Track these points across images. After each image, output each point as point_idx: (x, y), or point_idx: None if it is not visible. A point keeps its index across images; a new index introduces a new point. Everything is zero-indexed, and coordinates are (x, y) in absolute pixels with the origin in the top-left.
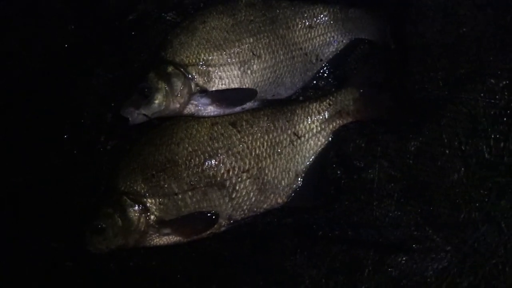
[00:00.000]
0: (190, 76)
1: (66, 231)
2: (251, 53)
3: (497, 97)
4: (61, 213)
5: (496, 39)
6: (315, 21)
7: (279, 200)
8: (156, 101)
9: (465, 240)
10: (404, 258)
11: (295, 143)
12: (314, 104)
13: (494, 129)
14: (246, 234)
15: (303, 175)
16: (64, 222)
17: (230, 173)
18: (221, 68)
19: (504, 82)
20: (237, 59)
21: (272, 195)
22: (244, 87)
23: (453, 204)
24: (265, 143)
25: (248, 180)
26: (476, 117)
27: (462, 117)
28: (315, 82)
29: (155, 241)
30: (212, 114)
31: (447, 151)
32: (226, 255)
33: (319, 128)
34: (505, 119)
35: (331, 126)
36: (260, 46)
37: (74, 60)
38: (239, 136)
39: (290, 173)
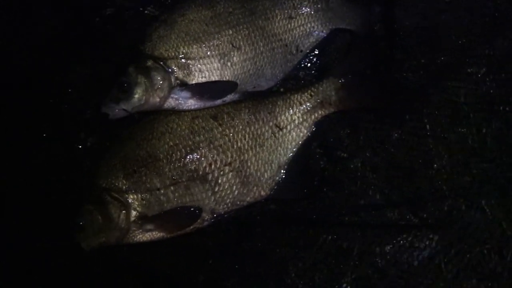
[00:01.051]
0: (169, 69)
1: (48, 230)
2: (230, 45)
3: (478, 83)
4: (43, 211)
5: (476, 25)
6: (295, 12)
7: (262, 193)
8: (136, 96)
9: (450, 227)
10: (390, 248)
11: (277, 135)
12: (296, 95)
13: (476, 115)
14: (230, 224)
15: (286, 167)
16: (46, 220)
17: (212, 166)
18: (201, 61)
19: (485, 69)
20: (216, 52)
21: (255, 188)
22: (224, 79)
23: (438, 192)
24: (247, 136)
25: (231, 173)
26: (458, 103)
27: (444, 104)
28: (296, 73)
29: (138, 237)
30: (192, 107)
31: (430, 139)
32: (211, 246)
33: (301, 119)
34: (486, 105)
35: (313, 117)
36: (240, 37)
37: (52, 56)
38: (220, 129)
39: (273, 165)
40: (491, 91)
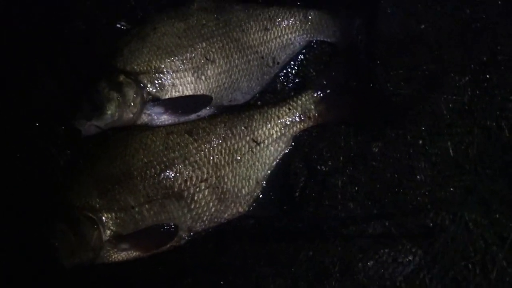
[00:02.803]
0: (142, 84)
1: (21, 249)
2: (204, 58)
3: (460, 93)
4: (15, 230)
5: (456, 35)
6: (271, 23)
7: (240, 209)
8: (109, 112)
9: (433, 242)
10: (372, 263)
11: (254, 149)
12: (273, 109)
13: (458, 126)
14: (208, 240)
15: (264, 182)
16: (19, 239)
17: (188, 183)
18: (174, 75)
19: (466, 78)
20: (190, 65)
21: (232, 204)
22: (198, 93)
23: (420, 205)
24: (223, 151)
25: (207, 189)
26: (439, 114)
27: (425, 115)
28: (273, 86)
29: (113, 257)
30: (166, 122)
31: (411, 151)
32: (188, 263)
33: (279, 134)
34: (468, 116)
35: (291, 131)
36: (214, 50)
37: (21, 70)
38: (195, 144)
39: (251, 181)
40: (473, 101)
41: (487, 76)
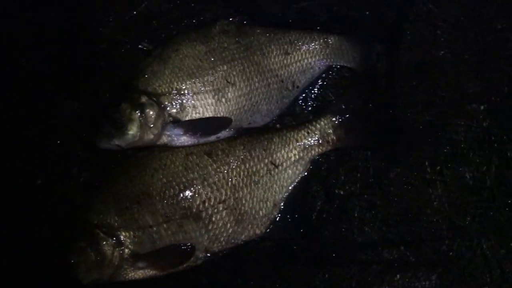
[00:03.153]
0: (163, 105)
1: (40, 267)
2: (225, 81)
3: (478, 120)
4: (37, 249)
5: (475, 62)
6: (291, 47)
7: (257, 231)
8: (130, 132)
9: (449, 268)
10: None
11: (272, 172)
12: (292, 132)
13: (475, 154)
14: (224, 260)
15: (281, 205)
16: (40, 258)
17: (206, 204)
18: (194, 96)
19: (484, 105)
20: (211, 87)
21: (249, 226)
22: (218, 115)
23: (436, 231)
24: (242, 173)
25: (225, 211)
26: (457, 141)
27: (443, 142)
28: (292, 109)
29: (130, 275)
30: (185, 144)
31: (429, 177)
32: (205, 283)
33: (297, 157)
34: (486, 143)
35: (310, 155)
36: (235, 73)
37: (44, 90)
38: (214, 166)
39: (268, 203)
40: (491, 128)
41: (506, 104)
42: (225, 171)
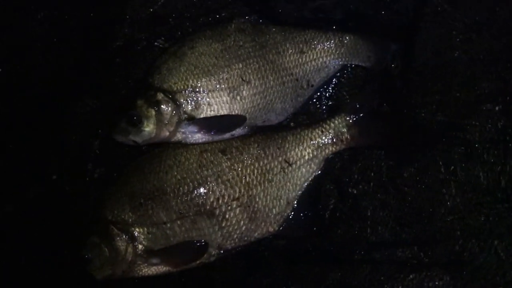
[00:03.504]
0: (178, 103)
1: (54, 262)
2: (240, 79)
3: (493, 121)
4: (50, 243)
5: (490, 63)
6: (306, 46)
7: (270, 229)
8: (147, 129)
9: (462, 269)
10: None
11: (286, 170)
12: (306, 130)
13: (490, 154)
14: (238, 258)
15: (295, 203)
16: (53, 252)
17: (220, 201)
18: (209, 94)
19: (500, 106)
20: (226, 85)
21: (263, 224)
22: (233, 113)
23: (449, 231)
24: (256, 171)
25: (238, 208)
26: (472, 142)
27: (457, 142)
28: (307, 108)
29: (143, 271)
30: (200, 141)
31: (442, 177)
32: (217, 280)
33: (311, 155)
34: (501, 143)
35: (323, 153)
36: (250, 71)
37: (60, 87)
38: (229, 163)
39: (282, 201)
40: (506, 129)
41: None
42: (239, 169)
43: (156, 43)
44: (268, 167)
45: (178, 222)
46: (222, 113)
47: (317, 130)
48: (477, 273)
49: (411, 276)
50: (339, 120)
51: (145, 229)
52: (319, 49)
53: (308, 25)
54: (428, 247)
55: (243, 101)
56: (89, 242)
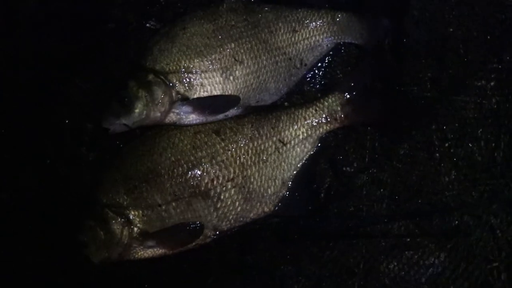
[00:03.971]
0: (170, 84)
1: (50, 245)
2: (233, 59)
3: (487, 97)
4: (44, 227)
5: (484, 38)
6: (299, 25)
7: (266, 209)
8: (137, 110)
9: (458, 244)
10: (396, 264)
11: (280, 150)
12: (300, 110)
13: (485, 131)
14: (233, 239)
15: (290, 182)
16: (48, 235)
17: (215, 182)
18: (202, 75)
19: (493, 83)
20: (218, 65)
21: (258, 204)
22: (226, 93)
23: (445, 208)
24: (250, 151)
25: (233, 189)
26: (466, 118)
27: (452, 119)
28: (300, 87)
29: (139, 254)
30: (194, 122)
31: (437, 155)
32: (213, 261)
33: (305, 135)
34: (495, 119)
35: (318, 132)
36: (242, 51)
37: (52, 70)
38: (223, 144)
39: (277, 181)
40: (500, 105)
41: None
42: (234, 149)
43: (147, 25)
44: (262, 147)
45: (173, 204)
46: (216, 94)
47: (311, 109)
48: (472, 249)
49: (406, 253)
50: (333, 99)
51: (140, 211)
52: (311, 28)
53: (300, 3)
54: (424, 224)
55: (236, 81)
56: (85, 225)
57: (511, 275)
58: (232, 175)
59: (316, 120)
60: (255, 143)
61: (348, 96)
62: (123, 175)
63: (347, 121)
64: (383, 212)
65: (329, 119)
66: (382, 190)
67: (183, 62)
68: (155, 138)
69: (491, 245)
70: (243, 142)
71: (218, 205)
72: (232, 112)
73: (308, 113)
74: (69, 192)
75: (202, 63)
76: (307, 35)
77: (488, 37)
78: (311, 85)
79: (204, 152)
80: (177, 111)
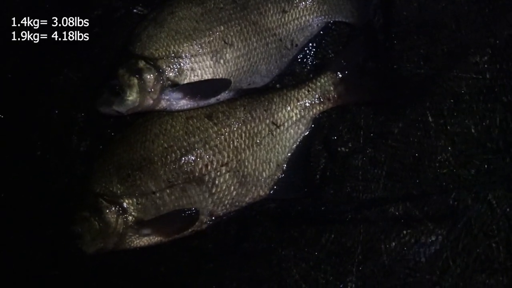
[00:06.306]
0: (161, 69)
1: (43, 237)
2: (222, 42)
3: (481, 72)
4: (37, 219)
5: (476, 12)
6: (288, 5)
7: (261, 193)
8: (130, 98)
9: (456, 221)
10: (395, 244)
11: (274, 132)
12: (293, 91)
13: (480, 106)
14: (229, 224)
15: (285, 165)
16: (40, 227)
17: (209, 167)
18: (192, 59)
19: (486, 57)
20: (208, 49)
21: (253, 188)
22: (217, 77)
23: (442, 185)
24: (243, 135)
25: (228, 173)
26: (461, 94)
27: (446, 95)
28: (292, 68)
29: (135, 242)
30: (185, 107)
31: (433, 131)
32: (210, 248)
33: (298, 116)
34: (490, 94)
35: (311, 113)
36: (232, 34)
37: (40, 60)
38: (215, 128)
39: (271, 164)
40: (495, 80)
41: (508, 54)
42: (227, 134)
43: (134, 10)
44: (255, 130)
45: (168, 191)
46: (206, 78)
47: (303, 90)
48: (471, 225)
49: (405, 232)
50: (325, 79)
51: (135, 200)
52: (301, 8)
53: None
54: (421, 202)
55: (227, 64)
56: (79, 216)
57: (510, 248)
58: (226, 159)
59: (309, 101)
60: (248, 126)
61: (340, 75)
62: (115, 164)
63: (340, 101)
64: (380, 191)
65: (322, 100)
66: (378, 169)
67: (172, 47)
68: (147, 125)
69: (490, 220)
70: (236, 126)
71: (213, 190)
72: (224, 95)
73: (300, 94)
74: (61, 183)
75: (191, 47)
76: (297, 15)
77: (480, 11)
78: (303, 65)
79: (197, 137)
80: (168, 97)
